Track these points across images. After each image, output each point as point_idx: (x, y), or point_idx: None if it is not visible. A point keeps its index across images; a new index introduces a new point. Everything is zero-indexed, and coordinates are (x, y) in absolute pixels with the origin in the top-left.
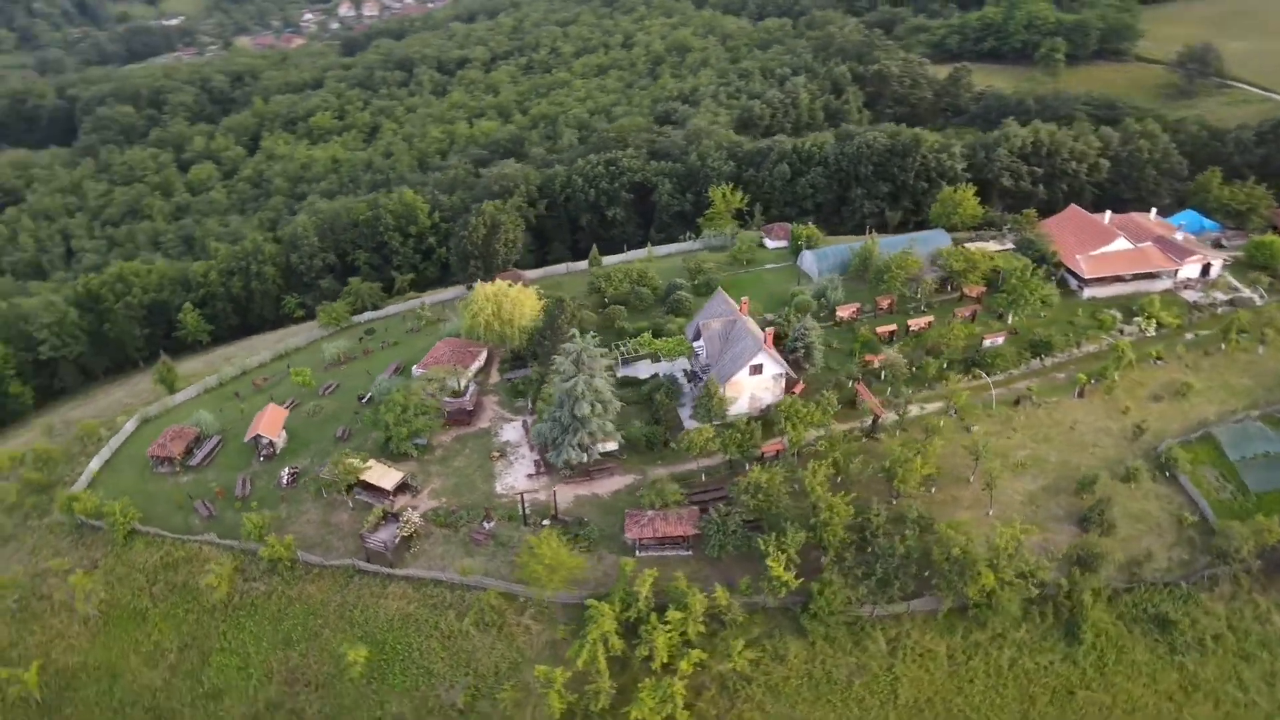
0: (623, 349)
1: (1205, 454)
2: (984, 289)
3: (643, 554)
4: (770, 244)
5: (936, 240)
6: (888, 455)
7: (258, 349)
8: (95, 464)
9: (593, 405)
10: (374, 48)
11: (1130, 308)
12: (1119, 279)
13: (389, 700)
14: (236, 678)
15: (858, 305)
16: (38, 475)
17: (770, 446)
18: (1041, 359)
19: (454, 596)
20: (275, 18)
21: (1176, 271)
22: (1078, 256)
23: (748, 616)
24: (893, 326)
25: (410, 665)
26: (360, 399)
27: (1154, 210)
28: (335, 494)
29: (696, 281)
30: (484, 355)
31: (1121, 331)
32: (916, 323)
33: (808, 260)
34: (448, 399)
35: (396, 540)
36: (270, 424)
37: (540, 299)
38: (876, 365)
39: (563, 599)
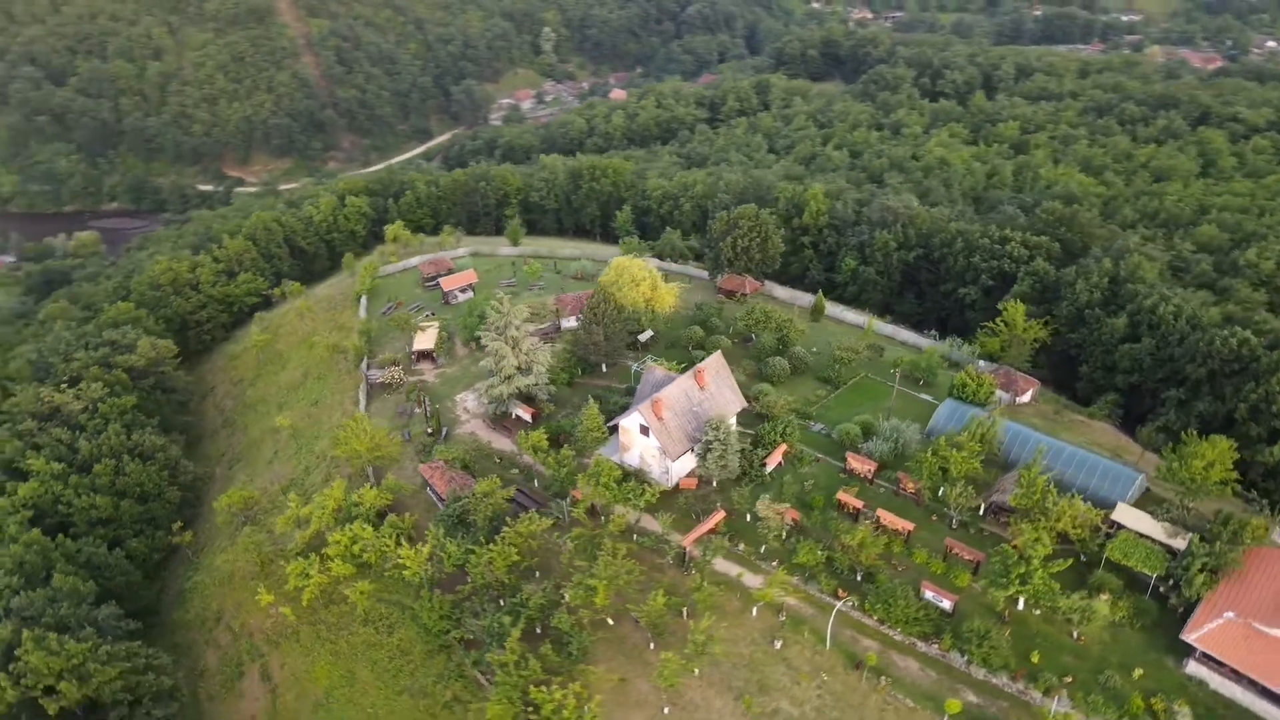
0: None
1: None
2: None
3: (429, 492)
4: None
5: (1115, 477)
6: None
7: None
8: (414, 260)
9: (498, 366)
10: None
11: None
12: (1270, 695)
13: (277, 461)
14: (293, 404)
15: (875, 466)
16: (393, 255)
17: (578, 491)
18: (967, 658)
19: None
20: (1230, 37)
21: None
22: (1227, 614)
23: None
24: (861, 504)
25: (298, 451)
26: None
27: None
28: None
29: (837, 364)
30: None
31: None
32: (890, 519)
33: (945, 406)
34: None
35: (377, 381)
36: (451, 280)
37: (677, 294)
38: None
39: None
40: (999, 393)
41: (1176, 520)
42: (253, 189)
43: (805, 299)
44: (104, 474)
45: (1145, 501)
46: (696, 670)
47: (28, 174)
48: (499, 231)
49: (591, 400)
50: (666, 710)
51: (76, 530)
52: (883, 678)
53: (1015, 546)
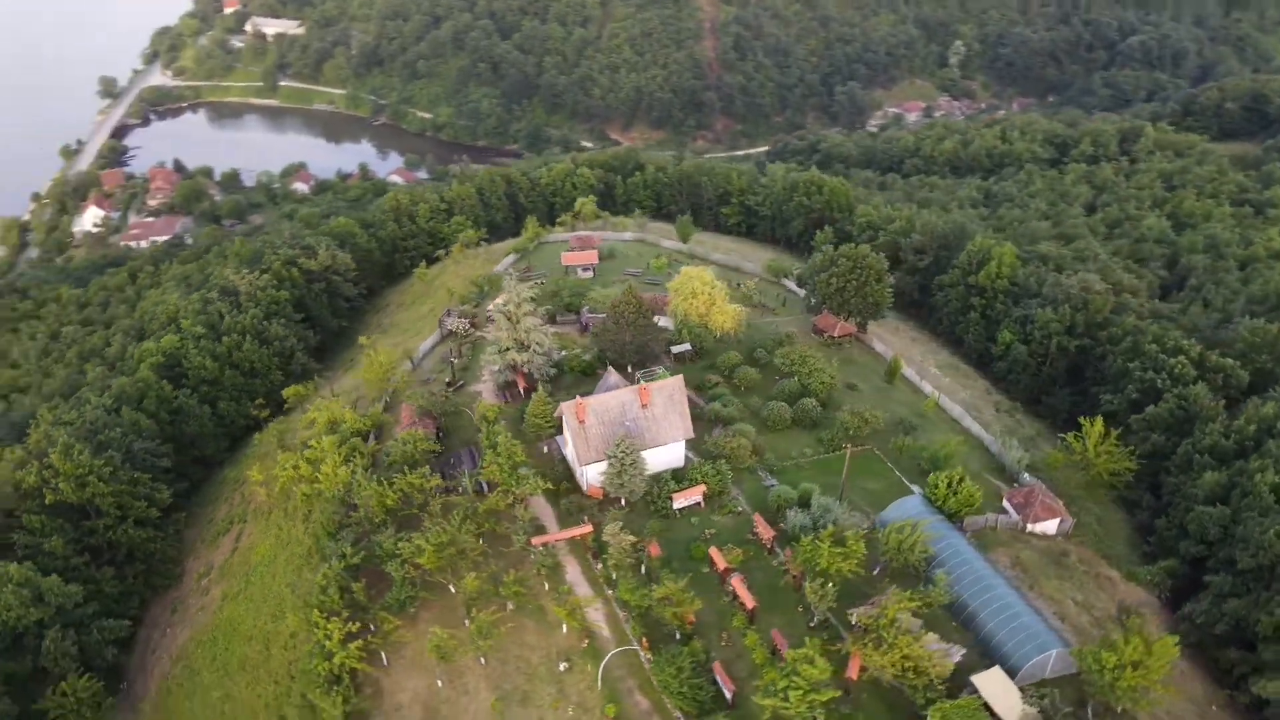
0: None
1: None
2: (856, 677)
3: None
4: (1008, 506)
5: (1028, 639)
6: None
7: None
8: (570, 234)
9: (495, 338)
10: None
11: None
12: None
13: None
14: (411, 332)
15: (774, 534)
16: (567, 225)
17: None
18: None
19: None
20: None
21: None
22: None
23: None
24: (724, 564)
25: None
26: None
27: None
28: None
29: (843, 428)
30: None
31: None
32: (741, 590)
33: (906, 502)
34: (587, 311)
35: (447, 329)
36: (573, 257)
37: (739, 315)
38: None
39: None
40: (1011, 511)
41: (1047, 711)
42: None
43: (877, 350)
44: (226, 345)
45: (1068, 682)
46: (483, 659)
47: (459, 110)
48: (718, 227)
49: (542, 388)
50: (440, 683)
51: (187, 383)
52: None
53: (787, 657)
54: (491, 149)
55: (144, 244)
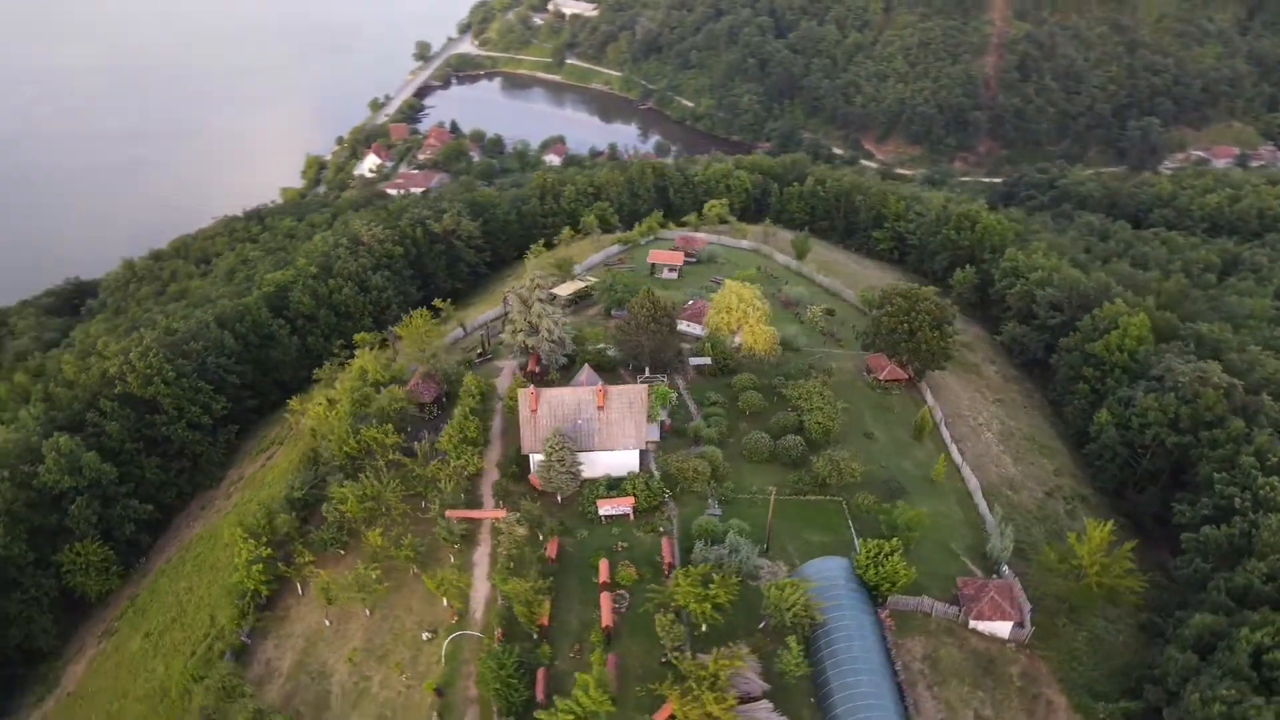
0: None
1: None
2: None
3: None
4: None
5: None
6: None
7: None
8: (678, 232)
9: (512, 327)
10: None
11: None
12: None
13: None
14: (494, 303)
15: (670, 562)
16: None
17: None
18: None
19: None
20: None
21: None
22: None
23: None
24: (605, 579)
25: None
26: None
27: None
28: None
29: (822, 476)
30: None
31: None
32: (605, 607)
33: (826, 563)
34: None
35: (509, 307)
36: (660, 257)
37: (774, 337)
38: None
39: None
40: (963, 604)
41: None
42: (872, 165)
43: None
44: (329, 287)
45: None
46: (369, 611)
47: (720, 102)
48: (868, 251)
49: (519, 373)
50: (327, 622)
51: (288, 314)
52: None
53: (578, 680)
54: (743, 144)
55: (401, 193)
